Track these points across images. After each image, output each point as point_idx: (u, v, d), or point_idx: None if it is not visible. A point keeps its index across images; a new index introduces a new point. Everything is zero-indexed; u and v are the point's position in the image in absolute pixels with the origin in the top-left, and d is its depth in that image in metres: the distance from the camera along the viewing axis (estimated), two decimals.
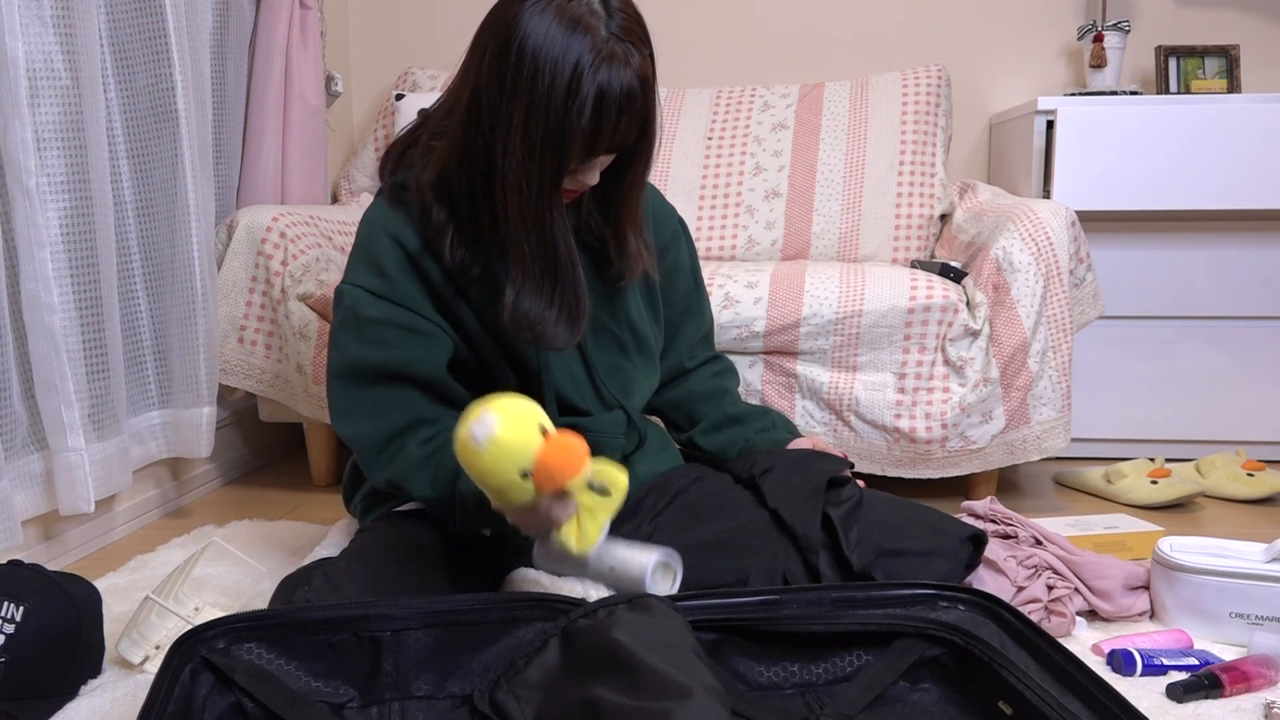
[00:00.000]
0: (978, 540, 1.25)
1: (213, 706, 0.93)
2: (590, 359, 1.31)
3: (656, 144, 1.20)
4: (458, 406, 1.23)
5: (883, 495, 1.29)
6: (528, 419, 1.01)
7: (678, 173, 2.35)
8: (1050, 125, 2.19)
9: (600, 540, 1.08)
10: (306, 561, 1.41)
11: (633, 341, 1.35)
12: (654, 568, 1.11)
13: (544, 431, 1.02)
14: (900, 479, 2.07)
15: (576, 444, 1.02)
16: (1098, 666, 1.22)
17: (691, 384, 1.47)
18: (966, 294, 1.85)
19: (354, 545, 1.25)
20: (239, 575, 1.53)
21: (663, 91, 2.50)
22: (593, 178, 1.15)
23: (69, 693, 1.13)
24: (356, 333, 1.19)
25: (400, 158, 1.24)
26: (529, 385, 1.29)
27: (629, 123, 1.11)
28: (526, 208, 1.11)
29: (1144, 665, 1.19)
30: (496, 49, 1.09)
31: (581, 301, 1.19)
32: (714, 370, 1.50)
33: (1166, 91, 2.43)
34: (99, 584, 1.50)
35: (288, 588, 1.27)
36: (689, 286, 1.46)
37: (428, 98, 2.34)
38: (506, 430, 1.00)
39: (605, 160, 1.16)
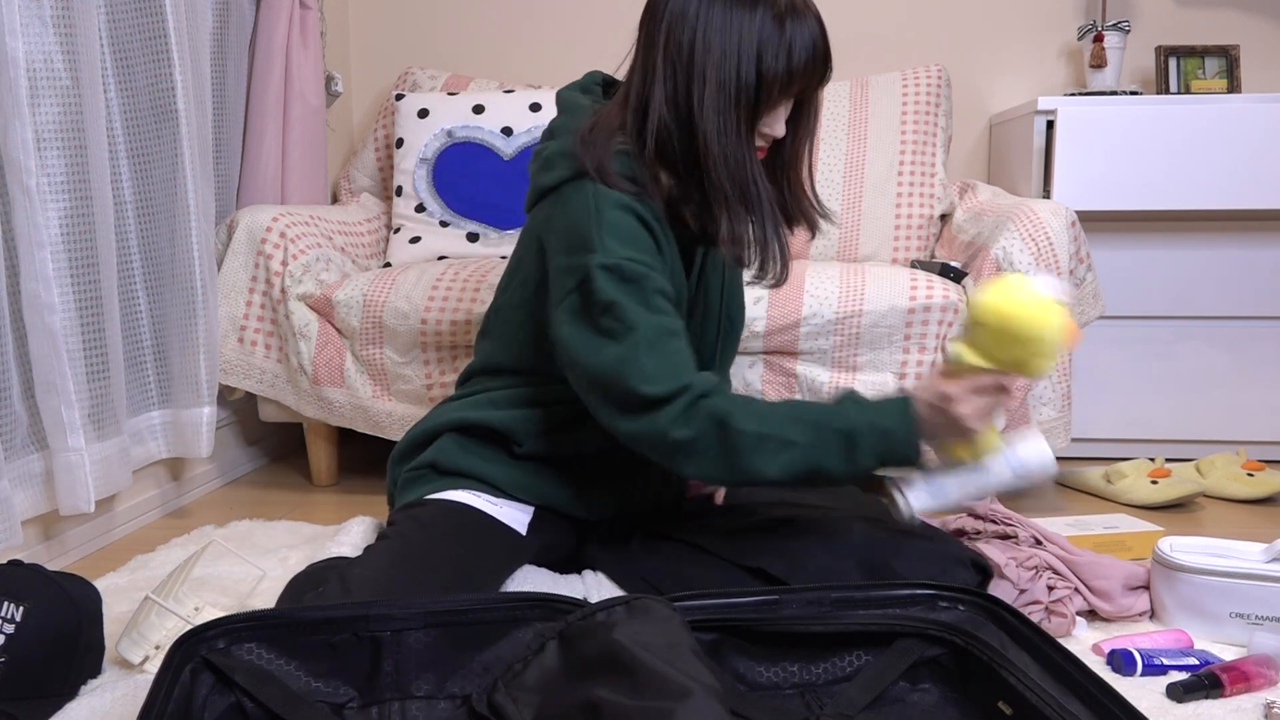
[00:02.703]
0: (984, 573, 1.25)
1: (213, 706, 0.93)
2: (721, 354, 1.40)
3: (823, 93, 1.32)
4: None
5: (878, 518, 1.29)
6: None
7: None
8: (1050, 125, 2.19)
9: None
10: (316, 559, 1.41)
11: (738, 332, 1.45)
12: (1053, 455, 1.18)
13: None
14: None
15: None
16: (1098, 666, 1.22)
17: None
18: (966, 294, 1.85)
19: (373, 549, 1.24)
20: (239, 575, 1.53)
21: None
22: (780, 128, 1.23)
23: (69, 693, 1.13)
24: (646, 302, 1.19)
25: (589, 147, 1.26)
26: None
27: (819, 66, 1.21)
28: (728, 153, 1.20)
29: (1144, 665, 1.19)
30: (680, 43, 1.20)
31: (783, 235, 1.27)
32: None
33: (1166, 91, 2.43)
34: (99, 584, 1.50)
35: (298, 588, 1.26)
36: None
37: (428, 98, 2.34)
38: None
39: (787, 108, 1.23)
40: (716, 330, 1.41)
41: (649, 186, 1.24)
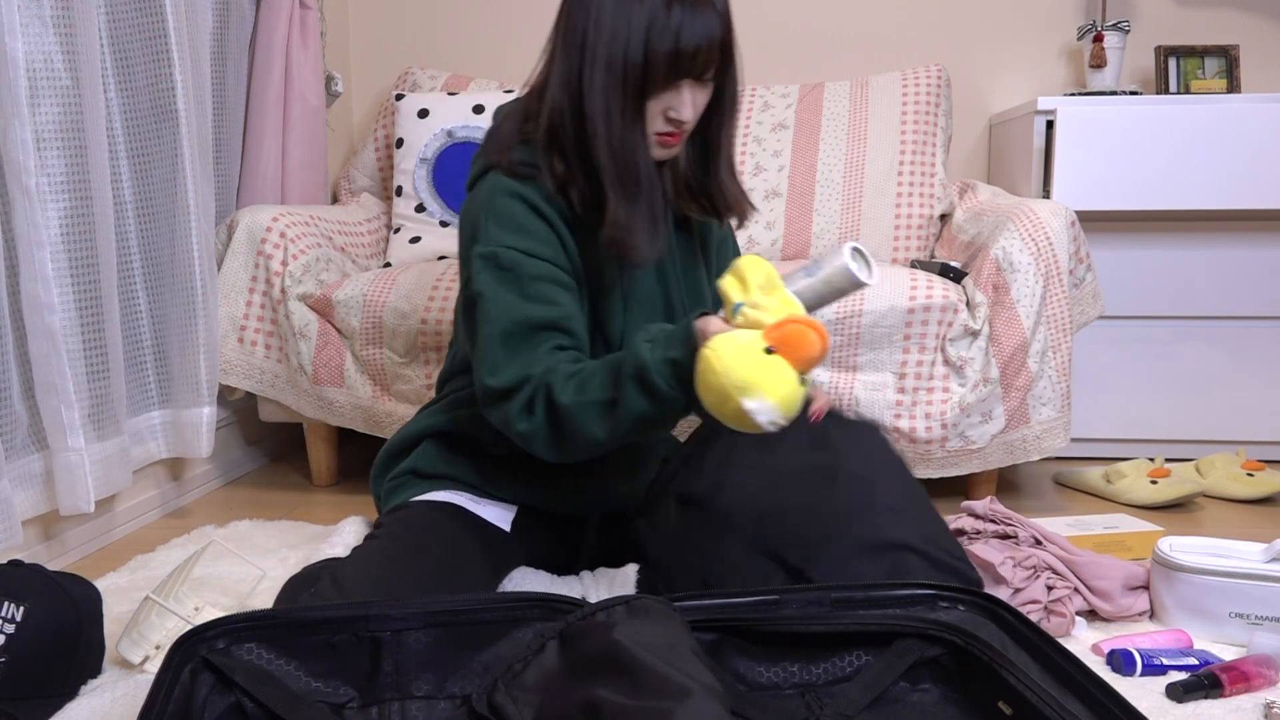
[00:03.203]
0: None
1: (213, 707, 0.93)
2: None
3: (741, 82, 1.30)
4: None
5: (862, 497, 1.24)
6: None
7: None
8: (1050, 125, 2.19)
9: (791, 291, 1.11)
10: (314, 560, 1.41)
11: None
12: (850, 253, 1.12)
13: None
14: None
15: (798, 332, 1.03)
16: (1098, 666, 1.22)
17: None
18: (966, 294, 1.85)
19: (363, 548, 1.24)
20: (239, 575, 1.53)
21: None
22: (685, 111, 1.22)
23: (69, 693, 1.13)
24: (520, 290, 1.22)
25: (494, 139, 1.30)
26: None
27: (711, 52, 1.19)
28: (613, 133, 1.21)
29: (1144, 665, 1.19)
30: (575, 28, 1.22)
31: (659, 219, 1.27)
32: None
33: (1166, 91, 2.43)
34: (99, 584, 1.50)
35: (294, 589, 1.27)
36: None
37: (428, 98, 2.34)
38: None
39: (699, 96, 1.23)
40: (662, 319, 1.39)
41: (545, 172, 1.26)
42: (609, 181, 1.23)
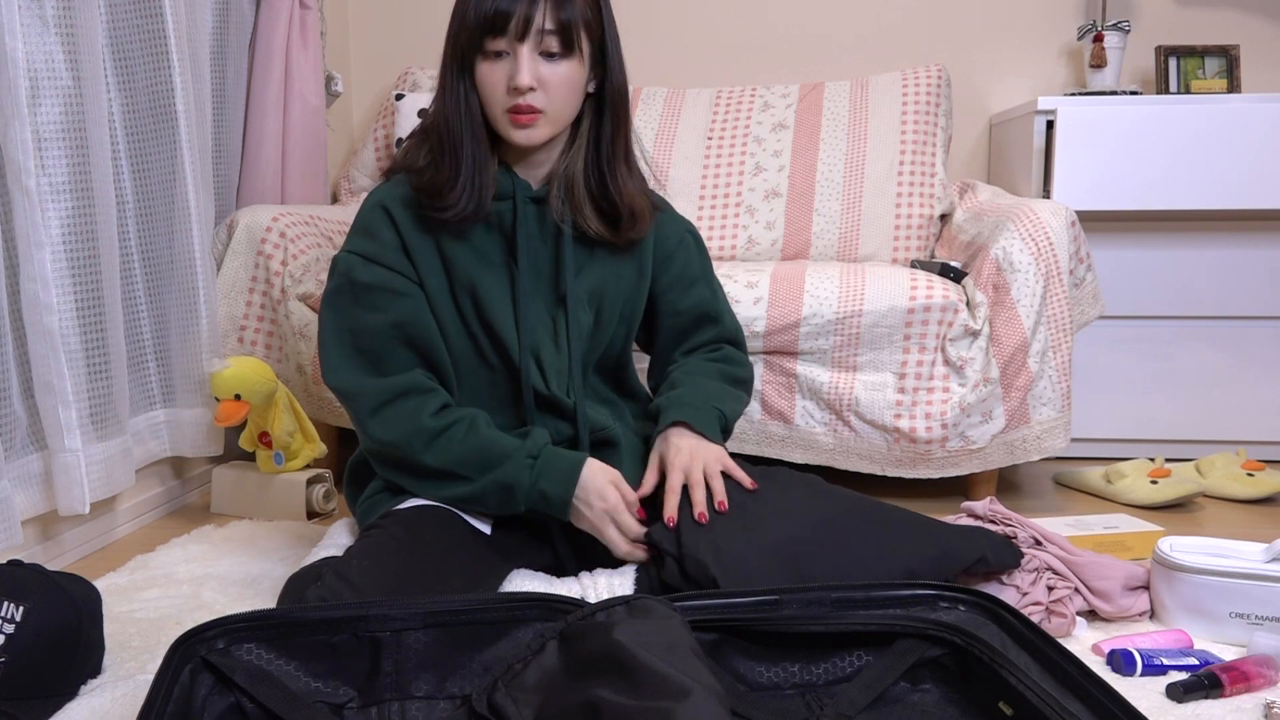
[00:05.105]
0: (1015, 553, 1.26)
1: (212, 707, 0.93)
2: (572, 344, 1.35)
3: (625, 80, 1.33)
4: (445, 381, 1.35)
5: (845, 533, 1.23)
6: None
7: (678, 173, 2.35)
8: (1050, 125, 2.19)
9: None
10: (308, 561, 1.41)
11: (624, 331, 1.40)
12: None
13: None
14: (900, 479, 2.07)
15: None
16: (1098, 666, 1.22)
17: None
18: (966, 294, 1.85)
19: (363, 543, 1.24)
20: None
21: (662, 91, 2.50)
22: (522, 76, 1.24)
23: (69, 692, 1.13)
24: (353, 298, 1.31)
25: (400, 145, 1.37)
26: (510, 373, 1.34)
27: (503, 19, 1.23)
28: (448, 92, 1.29)
29: (1144, 665, 1.19)
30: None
31: (481, 174, 1.30)
32: (715, 354, 1.49)
33: (1166, 91, 2.43)
34: (99, 584, 1.50)
35: (297, 585, 1.26)
36: (705, 295, 1.48)
37: (428, 98, 2.34)
38: None
39: (543, 67, 1.25)
40: (549, 327, 1.38)
41: (409, 166, 1.32)
42: (439, 146, 1.28)
